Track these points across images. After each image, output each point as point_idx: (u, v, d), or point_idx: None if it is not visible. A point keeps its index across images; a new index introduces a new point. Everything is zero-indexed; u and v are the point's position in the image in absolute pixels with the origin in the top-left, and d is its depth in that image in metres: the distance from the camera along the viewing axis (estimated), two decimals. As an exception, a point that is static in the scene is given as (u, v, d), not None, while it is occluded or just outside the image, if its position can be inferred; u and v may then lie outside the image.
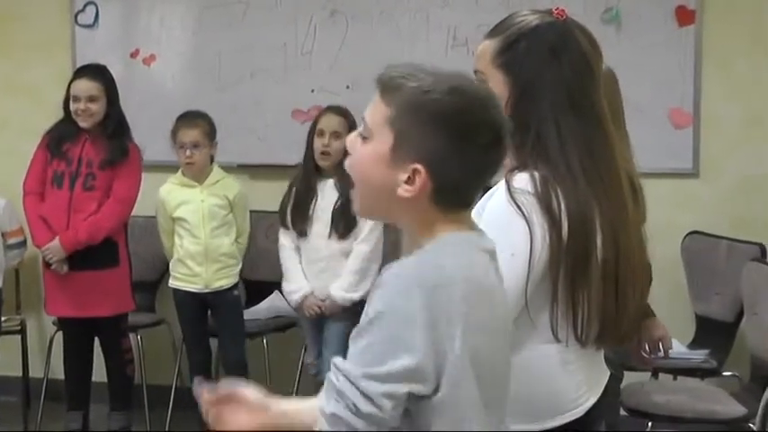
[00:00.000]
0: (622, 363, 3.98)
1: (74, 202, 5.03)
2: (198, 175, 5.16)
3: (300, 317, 5.09)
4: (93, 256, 5.02)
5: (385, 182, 1.91)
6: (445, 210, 1.93)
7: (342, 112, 4.97)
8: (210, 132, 5.15)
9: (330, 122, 4.91)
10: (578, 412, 2.33)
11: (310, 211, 4.89)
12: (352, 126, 4.89)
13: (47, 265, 5.10)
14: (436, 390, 1.84)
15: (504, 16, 2.41)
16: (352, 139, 1.98)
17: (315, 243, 4.91)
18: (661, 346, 3.97)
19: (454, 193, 1.93)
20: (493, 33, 2.37)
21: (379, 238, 4.83)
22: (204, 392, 2.01)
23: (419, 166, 1.88)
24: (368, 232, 4.86)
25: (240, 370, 5.14)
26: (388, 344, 1.81)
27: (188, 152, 5.07)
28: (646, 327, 3.91)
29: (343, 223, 4.85)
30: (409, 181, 1.89)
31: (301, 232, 4.92)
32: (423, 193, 1.89)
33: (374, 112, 1.94)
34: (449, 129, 1.88)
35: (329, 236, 4.87)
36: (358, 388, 1.81)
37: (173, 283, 5.24)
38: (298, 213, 4.92)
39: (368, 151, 1.94)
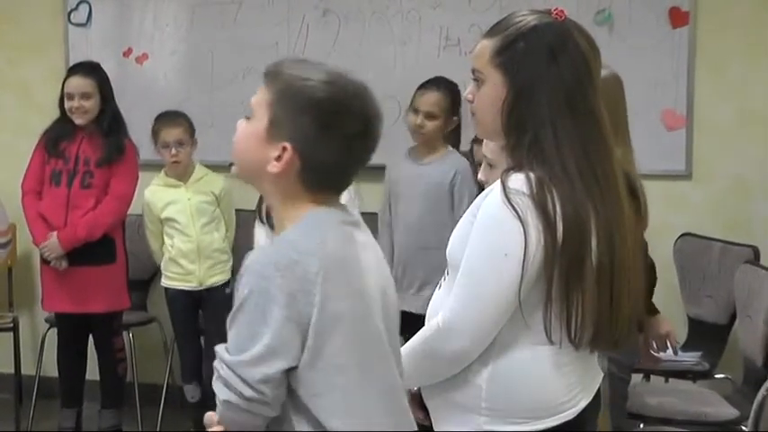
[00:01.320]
0: (630, 365, 3.99)
1: (71, 199, 5.02)
2: (182, 173, 5.16)
3: None
4: (90, 252, 5.01)
5: (258, 157, 2.07)
6: (313, 191, 2.08)
7: None
8: (192, 131, 5.16)
9: None
10: (571, 414, 2.33)
11: None
12: None
13: (45, 261, 5.10)
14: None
15: (497, 17, 2.42)
16: (239, 122, 2.13)
17: None
18: (669, 342, 3.99)
19: (321, 175, 2.07)
20: (491, 33, 2.37)
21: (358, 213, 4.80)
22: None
23: (287, 145, 2.04)
24: None
25: None
26: (252, 326, 1.95)
27: (173, 150, 5.07)
28: (651, 324, 3.92)
29: None
30: (279, 159, 2.05)
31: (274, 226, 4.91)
32: (290, 170, 2.05)
33: (258, 96, 2.11)
34: (318, 114, 2.04)
35: None
36: (239, 376, 1.96)
37: (165, 282, 5.23)
38: None
39: (247, 129, 2.11)
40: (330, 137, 2.04)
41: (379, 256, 2.17)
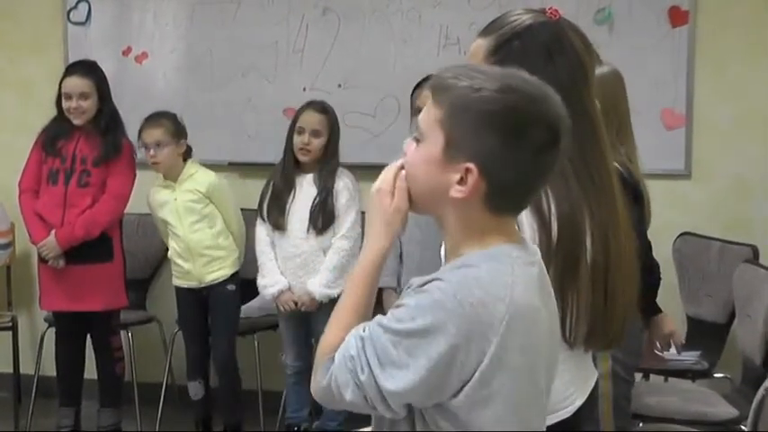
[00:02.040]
0: (634, 366, 3.97)
1: (68, 197, 5.02)
2: (170, 173, 5.14)
3: (278, 315, 5.09)
4: (87, 250, 5.02)
5: (438, 183, 1.88)
6: (497, 215, 1.90)
7: (323, 108, 4.96)
8: (176, 131, 5.12)
9: (310, 120, 4.91)
10: (566, 413, 2.32)
11: (287, 206, 4.90)
12: (333, 124, 4.89)
13: (42, 260, 5.10)
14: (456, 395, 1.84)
15: (496, 15, 2.41)
16: (407, 143, 1.96)
17: (292, 239, 4.92)
18: (672, 342, 3.98)
19: (508, 195, 1.90)
20: (486, 32, 2.36)
21: (360, 234, 4.80)
22: None
23: (471, 166, 1.84)
24: (349, 228, 4.85)
25: (228, 368, 5.13)
26: (412, 352, 1.80)
27: (151, 151, 5.06)
28: (655, 323, 3.92)
29: (322, 219, 4.86)
30: (462, 182, 1.86)
31: (276, 225, 4.93)
32: (475, 194, 1.86)
33: (426, 114, 1.92)
34: (500, 127, 1.84)
35: (307, 231, 4.88)
36: (381, 394, 1.83)
37: (173, 281, 5.23)
38: (275, 206, 4.93)
39: (420, 153, 1.91)
40: (517, 151, 1.84)
41: (550, 289, 2.03)
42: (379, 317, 1.89)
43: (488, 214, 1.89)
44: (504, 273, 1.85)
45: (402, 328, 1.82)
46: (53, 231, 5.01)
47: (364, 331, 1.86)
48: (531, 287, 1.91)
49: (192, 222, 5.09)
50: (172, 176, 5.14)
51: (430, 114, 1.90)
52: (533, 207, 2.19)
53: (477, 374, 1.81)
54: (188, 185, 5.12)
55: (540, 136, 1.85)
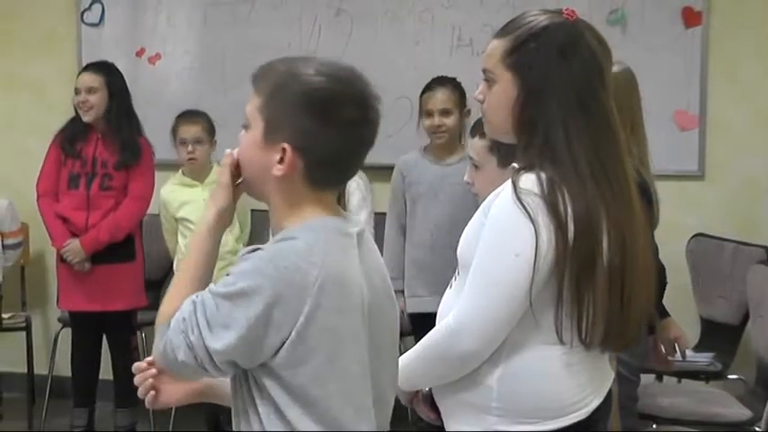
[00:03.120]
0: (639, 366, 3.97)
1: (91, 200, 5.05)
2: (198, 173, 5.14)
3: None
4: (110, 250, 5.04)
5: (261, 164, 2.04)
6: (317, 189, 2.05)
7: None
8: (210, 130, 5.14)
9: None
10: (582, 414, 2.33)
11: None
12: None
13: (62, 260, 5.10)
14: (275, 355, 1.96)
15: (509, 17, 2.41)
16: (240, 134, 2.09)
17: None
18: (677, 347, 3.97)
19: (325, 170, 2.04)
20: (502, 33, 2.36)
21: (372, 234, 4.79)
22: (142, 365, 2.17)
23: (286, 145, 2.00)
24: (356, 206, 4.82)
25: None
26: (233, 313, 1.94)
27: (190, 147, 5.06)
28: (662, 327, 3.91)
29: None
30: (281, 161, 2.01)
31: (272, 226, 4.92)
32: (293, 171, 2.02)
33: (250, 104, 2.07)
34: (310, 107, 1.99)
35: None
36: (209, 353, 1.95)
37: None
38: None
39: (246, 140, 2.08)
40: (328, 128, 2.00)
41: (378, 264, 2.15)
42: (210, 284, 2.04)
43: (308, 189, 2.05)
44: (319, 241, 1.99)
45: (225, 291, 1.97)
46: (76, 237, 5.02)
47: (197, 297, 2.01)
48: (346, 256, 2.04)
49: None
50: (200, 176, 5.14)
51: (252, 103, 2.07)
52: (549, 208, 2.19)
53: (293, 333, 1.94)
54: None
55: (348, 113, 2.01)
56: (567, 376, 2.31)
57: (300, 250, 1.96)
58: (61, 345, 5.51)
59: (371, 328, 2.06)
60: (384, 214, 4.89)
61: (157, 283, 5.76)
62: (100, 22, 6.00)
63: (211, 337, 1.95)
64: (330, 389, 1.98)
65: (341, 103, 2.01)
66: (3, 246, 5.61)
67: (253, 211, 5.29)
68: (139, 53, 5.95)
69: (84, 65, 5.52)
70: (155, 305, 5.64)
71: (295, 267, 1.94)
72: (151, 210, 5.29)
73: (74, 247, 5.02)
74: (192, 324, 1.97)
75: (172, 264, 5.29)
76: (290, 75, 2.03)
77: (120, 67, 5.30)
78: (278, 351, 1.95)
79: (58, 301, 5.32)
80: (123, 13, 5.99)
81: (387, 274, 2.18)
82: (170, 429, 5.48)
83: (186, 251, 5.06)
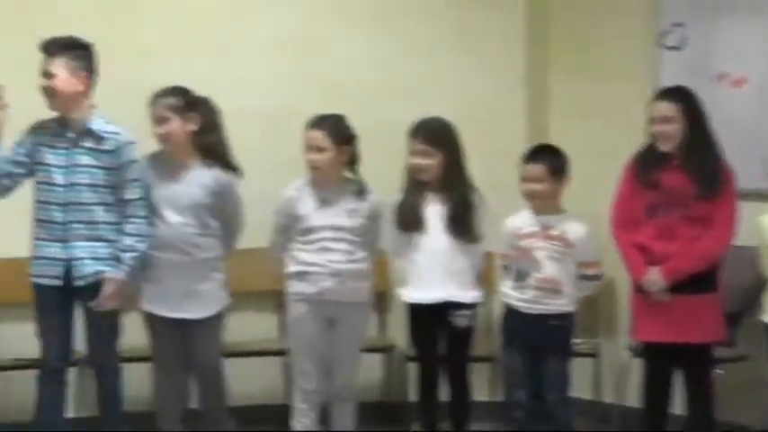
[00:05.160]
0: None
1: (670, 230, 4.95)
2: None
3: None
4: (692, 280, 4.91)
5: None
6: None
7: None
8: None
9: None
10: None
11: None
12: None
13: (638, 290, 5.04)
14: None
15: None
16: None
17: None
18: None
19: None
20: None
21: None
22: None
23: None
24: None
25: None
26: None
27: None
28: None
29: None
30: None
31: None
32: None
33: None
34: None
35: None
36: None
37: None
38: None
39: None
40: None
41: None
42: None
43: None
44: None
45: None
46: (657, 268, 4.93)
47: None
48: None
49: None
50: None
51: None
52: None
53: None
54: None
55: None
56: None
57: None
58: (630, 374, 5.46)
59: None
60: None
61: (735, 316, 5.49)
62: (681, 45, 5.89)
63: None
64: None
65: None
66: (583, 275, 5.52)
67: None
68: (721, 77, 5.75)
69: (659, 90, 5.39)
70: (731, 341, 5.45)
71: None
72: (740, 241, 5.06)
73: (654, 278, 4.94)
74: None
75: (748, 297, 5.03)
76: None
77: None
78: None
79: (633, 330, 5.23)
80: (704, 35, 5.83)
81: None
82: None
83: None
